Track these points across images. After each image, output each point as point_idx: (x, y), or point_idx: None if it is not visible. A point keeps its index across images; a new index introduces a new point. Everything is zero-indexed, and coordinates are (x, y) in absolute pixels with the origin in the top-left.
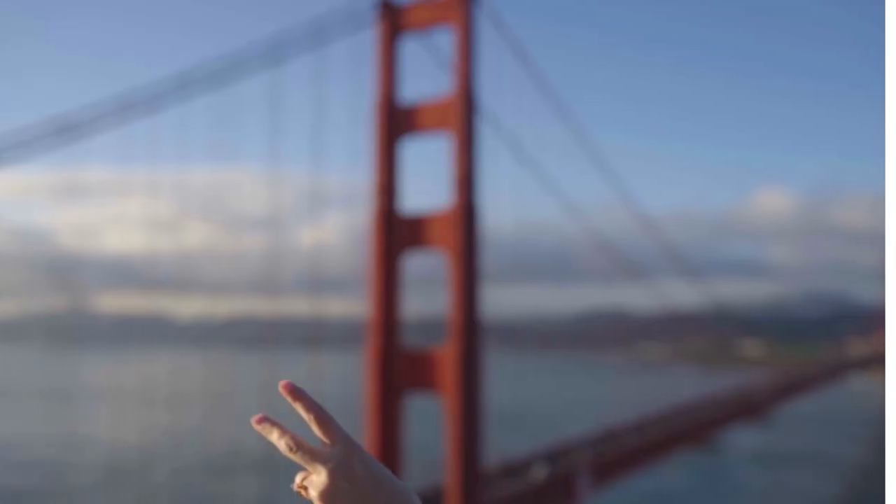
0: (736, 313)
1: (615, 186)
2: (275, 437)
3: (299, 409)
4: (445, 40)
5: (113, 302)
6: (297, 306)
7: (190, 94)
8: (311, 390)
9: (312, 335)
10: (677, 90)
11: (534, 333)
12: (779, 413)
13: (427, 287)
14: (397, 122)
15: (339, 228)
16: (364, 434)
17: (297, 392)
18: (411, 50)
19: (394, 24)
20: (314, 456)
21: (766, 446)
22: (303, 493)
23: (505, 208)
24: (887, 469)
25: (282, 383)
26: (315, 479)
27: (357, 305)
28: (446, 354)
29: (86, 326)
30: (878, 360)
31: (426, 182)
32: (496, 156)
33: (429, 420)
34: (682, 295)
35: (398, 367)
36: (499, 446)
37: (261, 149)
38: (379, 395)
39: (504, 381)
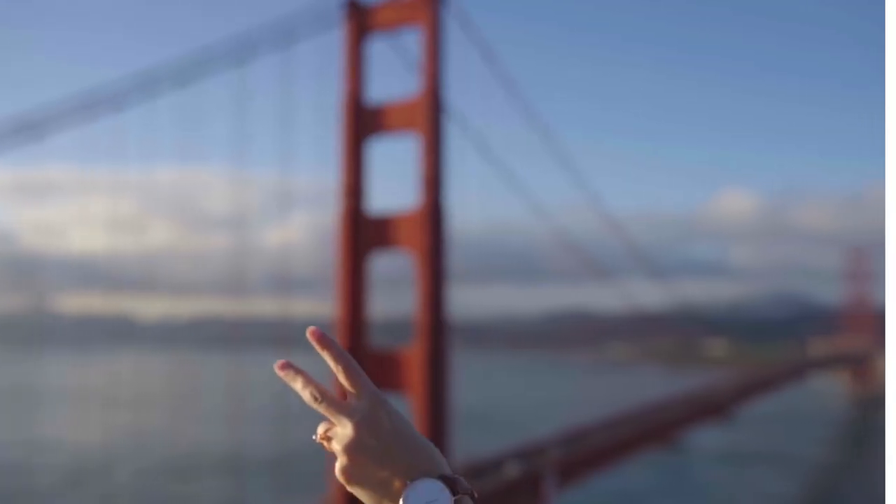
0: (700, 313)
1: (582, 187)
2: (298, 386)
3: (327, 358)
4: (413, 40)
5: (76, 302)
6: (264, 306)
7: (155, 92)
8: (277, 391)
9: (279, 335)
10: (650, 89)
11: (501, 333)
12: (742, 412)
13: (394, 287)
14: (364, 122)
15: (305, 228)
16: None
17: (325, 340)
18: (379, 50)
19: (361, 24)
20: (340, 408)
21: (729, 445)
22: (325, 444)
23: (472, 209)
24: (887, 469)
25: (310, 329)
26: (340, 432)
27: (324, 306)
28: (413, 355)
29: (48, 327)
30: (838, 360)
31: (393, 182)
32: (463, 156)
33: None
34: (648, 295)
35: (365, 367)
36: (466, 446)
37: (227, 149)
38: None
39: (472, 381)
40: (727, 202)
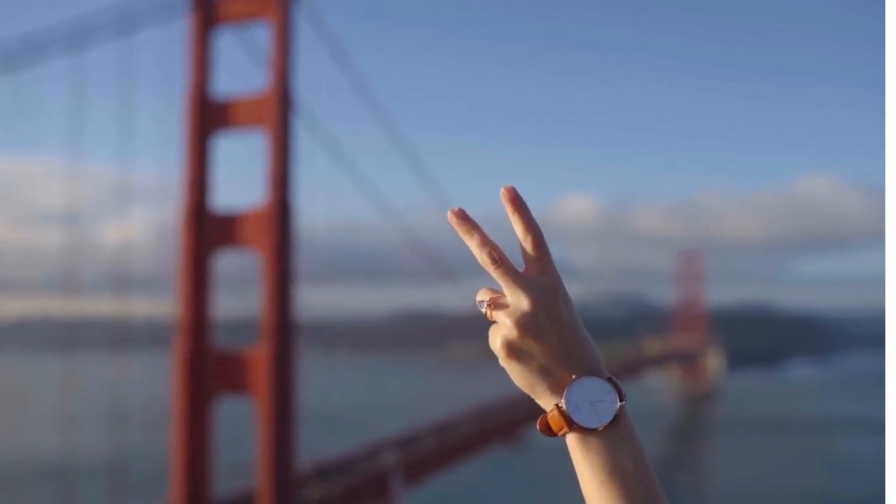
0: None
1: (431, 188)
2: (474, 243)
3: (517, 222)
4: (262, 35)
5: None
6: (100, 306)
7: None
8: (115, 395)
9: (116, 336)
10: (516, 88)
11: (349, 334)
12: None
13: (239, 287)
14: (210, 116)
15: (146, 225)
16: (171, 438)
17: (519, 203)
18: (227, 43)
19: (208, 16)
20: (519, 279)
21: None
22: (488, 311)
23: (321, 208)
24: (887, 469)
25: (505, 187)
26: (513, 304)
27: (165, 305)
28: (258, 355)
29: None
30: (671, 358)
31: (239, 180)
32: (313, 155)
33: (240, 423)
34: None
35: (208, 368)
36: (314, 448)
37: (62, 140)
38: (187, 397)
39: (320, 381)
40: (571, 205)
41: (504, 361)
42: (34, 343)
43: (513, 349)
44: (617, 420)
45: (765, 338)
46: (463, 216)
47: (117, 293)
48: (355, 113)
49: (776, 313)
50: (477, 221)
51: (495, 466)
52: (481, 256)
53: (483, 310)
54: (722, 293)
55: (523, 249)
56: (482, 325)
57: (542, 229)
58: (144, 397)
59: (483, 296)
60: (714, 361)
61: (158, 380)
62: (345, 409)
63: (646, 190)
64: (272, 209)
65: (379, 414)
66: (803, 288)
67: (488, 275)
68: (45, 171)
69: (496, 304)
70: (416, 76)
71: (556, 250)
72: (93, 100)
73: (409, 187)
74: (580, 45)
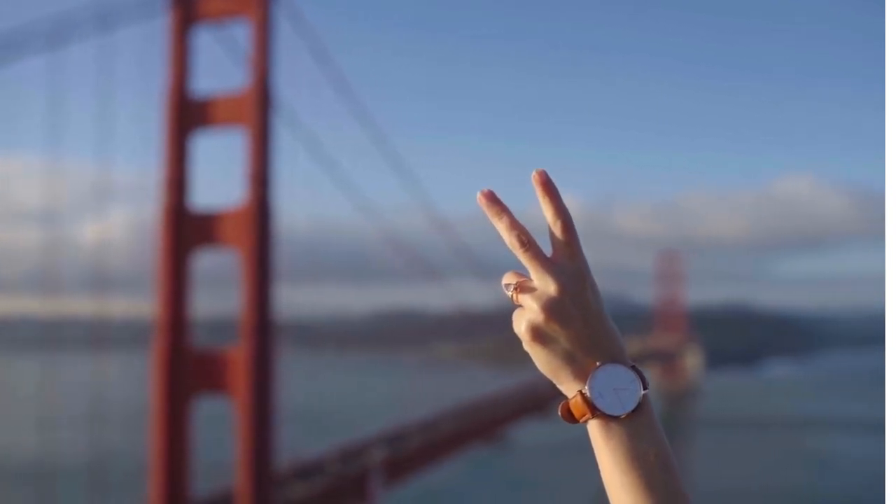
0: None
1: (413, 188)
2: (503, 226)
3: (547, 207)
4: (242, 34)
5: None
6: (79, 306)
7: None
8: (93, 395)
9: (95, 336)
10: (498, 88)
11: (331, 333)
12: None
13: (219, 286)
14: (189, 114)
15: (125, 224)
16: (150, 438)
17: (550, 187)
18: (206, 41)
19: (187, 14)
20: (546, 263)
21: (549, 438)
22: (514, 294)
23: (301, 207)
24: (887, 468)
25: (536, 171)
26: (540, 288)
27: (144, 305)
28: (238, 355)
29: None
30: (651, 357)
31: (219, 178)
32: (294, 154)
33: (220, 423)
34: (476, 295)
35: (187, 368)
36: (295, 447)
37: (40, 137)
38: (166, 397)
39: (300, 381)
40: None
41: (528, 345)
42: (12, 343)
43: (538, 333)
44: (640, 408)
45: (744, 337)
46: (492, 198)
47: (96, 292)
48: (336, 112)
49: (755, 313)
50: (457, 221)
51: (476, 466)
52: (510, 239)
53: (509, 293)
54: (702, 293)
55: (552, 234)
56: (464, 324)
57: (525, 225)
58: (123, 397)
59: (509, 279)
60: (693, 360)
61: (137, 379)
62: (326, 408)
63: (628, 190)
64: (252, 208)
65: (360, 414)
66: (783, 288)
67: (467, 274)
68: (23, 169)
69: (522, 288)
70: (397, 75)
71: None
72: (71, 97)
73: (390, 186)
74: (561, 43)
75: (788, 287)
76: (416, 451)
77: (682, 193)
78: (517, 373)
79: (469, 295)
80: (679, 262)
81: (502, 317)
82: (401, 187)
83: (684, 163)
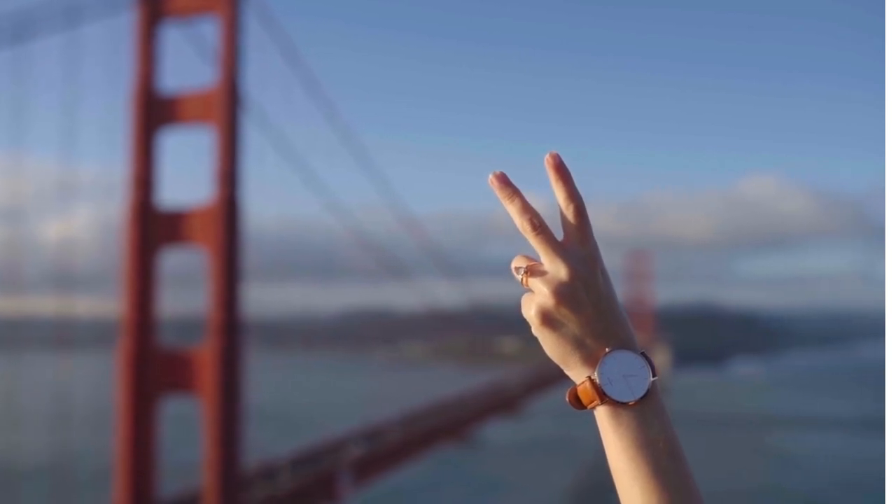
0: (493, 312)
1: (382, 187)
2: (514, 209)
3: (559, 190)
4: (210, 31)
5: None
6: (42, 304)
7: None
8: (58, 395)
9: (59, 335)
10: (466, 86)
11: (299, 332)
12: (531, 406)
13: (185, 285)
14: (156, 111)
15: (90, 222)
16: (116, 438)
17: (563, 171)
18: (174, 38)
19: (154, 10)
20: (558, 247)
21: (517, 438)
22: (523, 279)
23: (270, 206)
24: (887, 468)
25: (550, 154)
26: (551, 272)
27: (109, 304)
28: (205, 354)
29: None
30: None
31: (186, 176)
32: (262, 152)
33: (186, 423)
34: (444, 294)
35: (153, 368)
36: (263, 447)
37: (2, 133)
38: (132, 397)
39: (269, 381)
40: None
41: (537, 330)
42: None
43: (548, 318)
44: (649, 395)
45: (710, 336)
46: (504, 180)
47: (60, 291)
48: (305, 110)
49: (721, 312)
50: (426, 220)
51: (445, 465)
52: (521, 223)
53: (519, 276)
54: (669, 292)
55: (564, 218)
56: (433, 323)
57: (489, 229)
58: (88, 397)
59: (519, 262)
60: (661, 359)
61: (102, 379)
62: (294, 408)
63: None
64: (219, 206)
65: (329, 413)
66: (748, 287)
67: (436, 274)
68: None
69: (533, 272)
70: (365, 74)
71: (503, 249)
72: (35, 93)
73: (359, 185)
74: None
75: (753, 286)
76: (385, 450)
77: (648, 192)
78: (486, 372)
79: (438, 294)
80: (647, 261)
81: (472, 316)
82: (370, 186)
83: (651, 161)
